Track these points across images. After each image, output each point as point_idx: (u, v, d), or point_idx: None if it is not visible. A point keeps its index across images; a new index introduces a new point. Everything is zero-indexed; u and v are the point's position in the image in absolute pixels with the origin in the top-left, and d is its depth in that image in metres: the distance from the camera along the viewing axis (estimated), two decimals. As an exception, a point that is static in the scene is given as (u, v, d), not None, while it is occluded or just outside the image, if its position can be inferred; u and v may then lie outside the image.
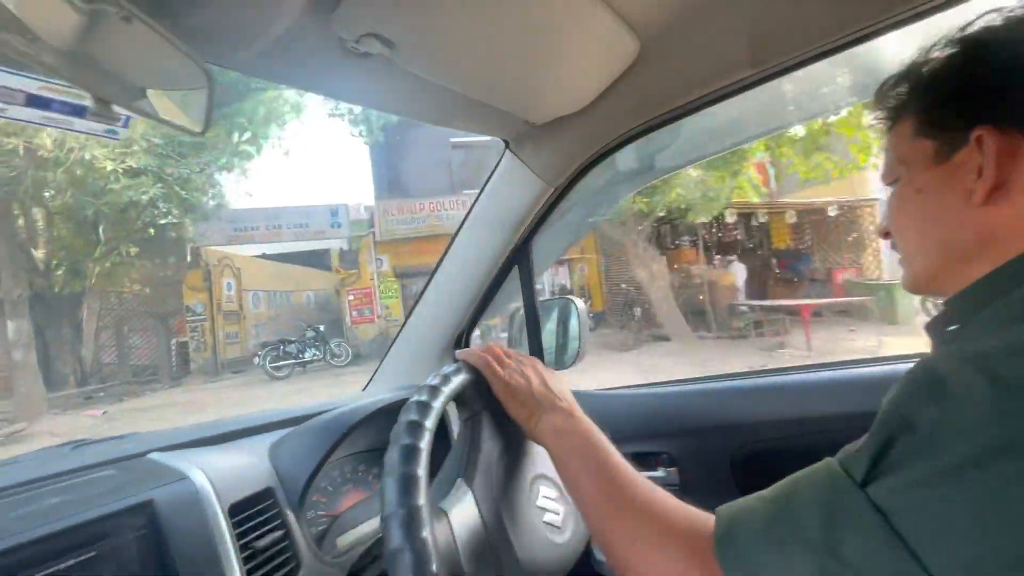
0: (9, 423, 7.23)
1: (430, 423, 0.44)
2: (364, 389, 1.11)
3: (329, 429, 0.67)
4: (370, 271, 12.60)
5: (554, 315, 1.05)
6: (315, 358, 10.57)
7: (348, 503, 0.74)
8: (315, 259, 20.42)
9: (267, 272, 15.36)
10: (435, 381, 0.48)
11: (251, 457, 0.64)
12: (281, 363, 10.08)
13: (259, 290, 14.54)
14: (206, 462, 0.58)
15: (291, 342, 10.38)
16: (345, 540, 0.68)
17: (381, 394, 0.86)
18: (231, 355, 12.22)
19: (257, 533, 0.56)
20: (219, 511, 0.53)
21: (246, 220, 12.22)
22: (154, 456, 0.61)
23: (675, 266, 9.90)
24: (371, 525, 0.72)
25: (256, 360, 10.07)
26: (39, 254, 8.91)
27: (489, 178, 0.92)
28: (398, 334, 1.10)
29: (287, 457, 0.64)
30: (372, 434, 0.77)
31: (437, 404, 0.46)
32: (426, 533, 0.37)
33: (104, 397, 9.37)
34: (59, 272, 9.14)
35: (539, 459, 0.56)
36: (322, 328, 10.98)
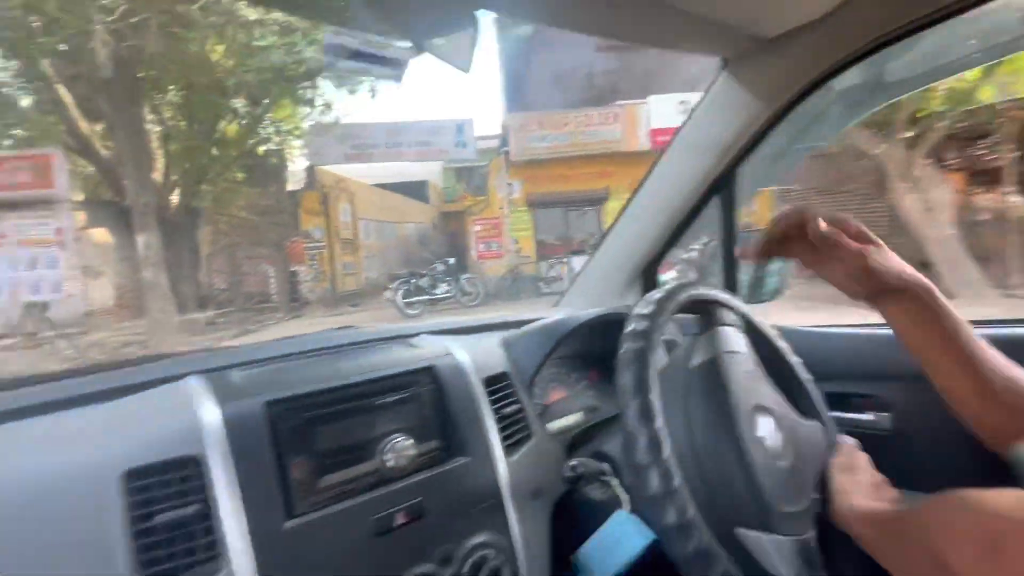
0: (141, 345, 6.55)
1: (655, 337, 0.51)
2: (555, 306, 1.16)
3: (552, 331, 0.79)
4: (500, 198, 10.89)
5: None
6: (447, 295, 9.18)
7: (553, 398, 0.82)
8: (414, 190, 19.23)
9: (376, 200, 14.17)
10: (658, 295, 0.55)
11: (489, 346, 0.75)
12: (413, 299, 8.77)
13: (370, 220, 13.41)
14: (461, 344, 0.70)
15: (421, 275, 9.01)
16: (554, 426, 0.76)
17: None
18: (348, 287, 11.22)
19: (501, 403, 0.67)
20: (477, 381, 0.66)
21: (364, 136, 10.76)
22: (423, 336, 0.76)
23: (967, 195, 7.24)
24: (573, 418, 0.80)
25: (387, 294, 8.81)
26: (160, 161, 7.93)
27: (700, 101, 0.90)
28: (589, 260, 1.14)
29: (518, 350, 0.76)
30: (576, 343, 0.83)
31: (661, 320, 0.53)
32: (660, 423, 0.45)
33: (225, 324, 8.59)
34: (176, 187, 8.24)
35: (757, 388, 0.58)
36: (452, 261, 9.54)
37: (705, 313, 0.61)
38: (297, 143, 10.21)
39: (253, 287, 11.15)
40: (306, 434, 0.52)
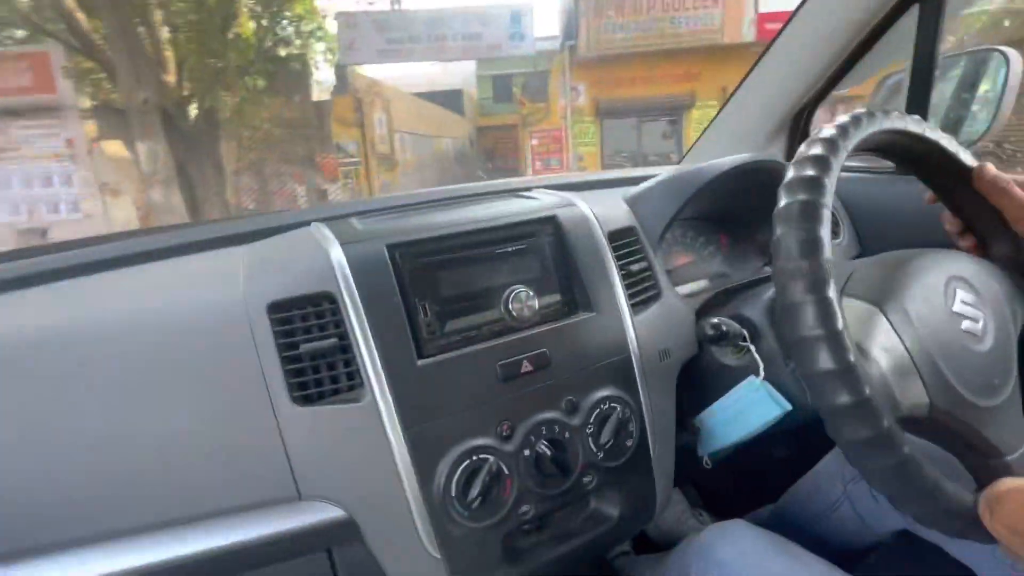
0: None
1: (828, 184, 0.39)
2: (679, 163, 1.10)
3: (684, 184, 0.71)
4: (562, 105, 9.22)
5: (956, 74, 0.86)
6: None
7: (678, 262, 0.78)
8: (449, 100, 17.32)
9: (411, 110, 12.53)
10: (834, 131, 0.42)
11: (612, 201, 0.70)
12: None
13: (405, 132, 11.89)
14: (584, 198, 0.66)
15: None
16: (682, 290, 0.71)
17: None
18: (388, 210, 10.06)
19: (628, 259, 0.64)
20: (602, 234, 0.62)
21: (400, 27, 8.99)
22: (538, 190, 0.71)
23: None
24: (699, 284, 0.75)
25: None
26: (168, 54, 6.56)
27: None
28: (721, 108, 1.02)
29: (644, 206, 0.70)
30: (706, 201, 0.74)
31: (836, 162, 0.41)
32: (831, 292, 0.36)
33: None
34: (190, 90, 6.99)
35: (952, 256, 0.51)
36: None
37: (901, 154, 0.50)
38: (321, 47, 8.76)
39: (283, 208, 10.10)
40: (428, 279, 0.53)
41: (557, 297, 0.58)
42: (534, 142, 9.40)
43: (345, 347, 0.48)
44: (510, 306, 0.54)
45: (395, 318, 0.49)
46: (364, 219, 0.61)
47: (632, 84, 9.11)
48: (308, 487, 0.46)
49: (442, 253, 0.54)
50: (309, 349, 0.46)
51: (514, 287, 0.55)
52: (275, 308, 0.48)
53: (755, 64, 0.92)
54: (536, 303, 0.55)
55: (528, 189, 0.73)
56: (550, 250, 0.59)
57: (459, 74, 20.08)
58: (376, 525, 0.48)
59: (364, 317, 0.48)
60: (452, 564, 0.49)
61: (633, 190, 0.73)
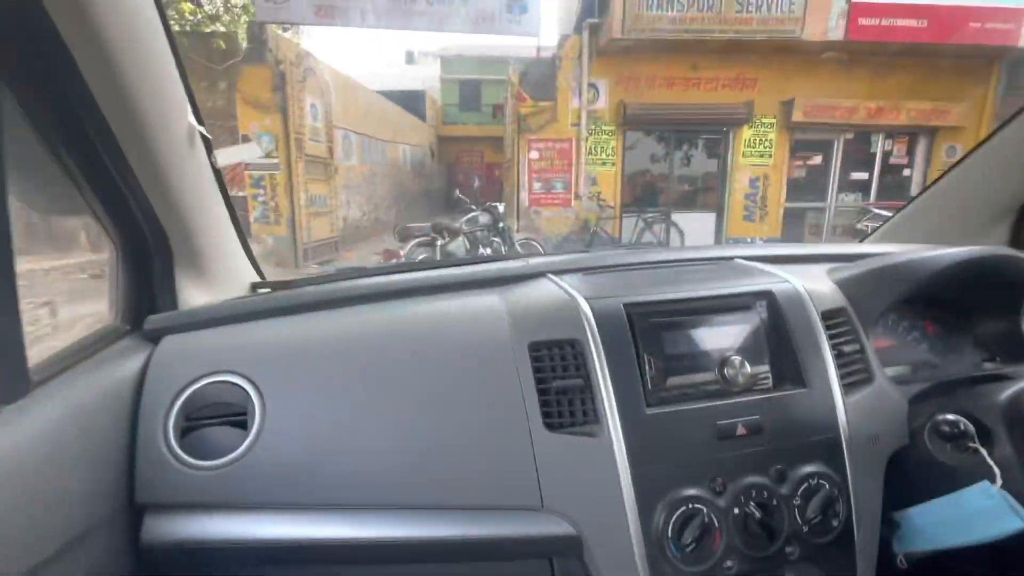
0: None
1: None
2: (861, 242, 1.09)
3: (906, 272, 0.70)
4: (574, 107, 6.65)
5: None
6: (494, 268, 5.19)
7: (878, 344, 0.75)
8: (409, 102, 14.52)
9: (361, 103, 9.65)
10: None
11: (819, 278, 0.70)
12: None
13: (351, 131, 8.98)
14: (790, 272, 0.67)
15: (450, 230, 4.92)
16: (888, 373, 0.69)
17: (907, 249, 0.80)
18: (316, 235, 7.03)
19: (840, 340, 0.63)
20: (815, 312, 0.63)
21: (349, -23, 6.18)
22: (741, 261, 0.76)
23: None
24: (900, 370, 0.74)
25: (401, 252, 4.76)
26: None
27: None
28: (935, 181, 0.98)
29: (855, 287, 0.69)
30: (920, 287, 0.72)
31: None
32: None
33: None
34: None
35: None
36: (501, 208, 5.47)
37: None
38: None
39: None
40: (656, 337, 0.59)
41: (767, 368, 0.61)
42: (533, 155, 6.75)
43: (588, 387, 0.56)
44: (725, 371, 0.58)
45: (629, 368, 0.56)
46: (589, 275, 0.71)
47: (670, 86, 6.71)
48: (549, 500, 0.54)
49: (669, 315, 0.60)
50: (559, 385, 0.56)
51: (729, 353, 0.59)
52: (534, 347, 0.58)
53: (987, 137, 0.89)
54: (748, 371, 0.59)
55: (729, 259, 0.77)
56: (764, 323, 0.62)
57: (422, 77, 17.54)
58: (599, 546, 0.54)
59: (604, 363, 0.56)
60: None
61: (843, 271, 0.73)
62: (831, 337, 0.63)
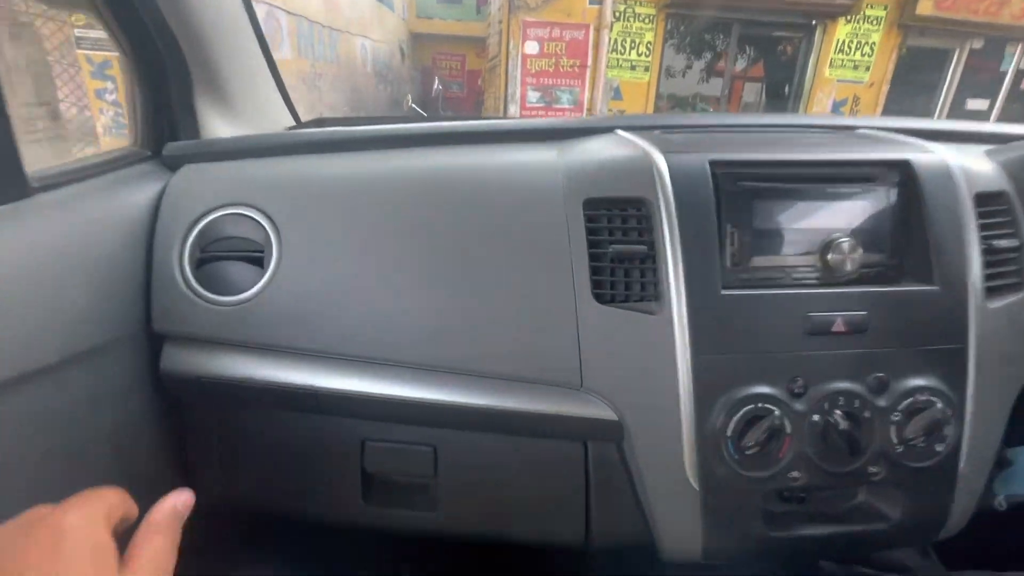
0: None
1: None
2: None
3: None
4: (597, -26, 4.35)
5: None
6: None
7: None
8: (372, -14, 11.57)
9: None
10: None
11: (978, 157, 0.55)
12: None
13: (276, 6, 6.46)
14: (935, 146, 0.52)
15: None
16: None
17: None
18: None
19: (994, 232, 0.51)
20: (968, 195, 0.49)
21: None
22: (867, 131, 0.61)
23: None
24: None
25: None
26: None
27: None
28: None
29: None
30: None
31: None
32: None
33: None
34: None
35: None
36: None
37: None
38: None
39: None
40: (744, 205, 0.47)
41: (884, 257, 0.49)
42: (530, 48, 4.51)
43: (651, 256, 0.46)
44: (829, 256, 0.47)
45: (707, 239, 0.45)
46: (670, 133, 0.58)
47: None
48: (590, 379, 0.47)
49: (765, 180, 0.47)
50: (617, 251, 0.46)
51: (836, 235, 0.47)
52: (590, 205, 0.48)
53: None
54: (859, 257, 0.47)
55: (853, 128, 0.62)
56: (891, 201, 0.49)
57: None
58: (642, 436, 0.47)
59: (676, 230, 0.45)
60: (708, 501, 0.47)
61: (1010, 151, 0.57)
62: (983, 228, 0.49)
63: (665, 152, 0.48)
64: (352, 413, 0.51)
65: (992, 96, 5.34)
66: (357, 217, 0.50)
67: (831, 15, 4.63)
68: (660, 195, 0.46)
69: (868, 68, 4.92)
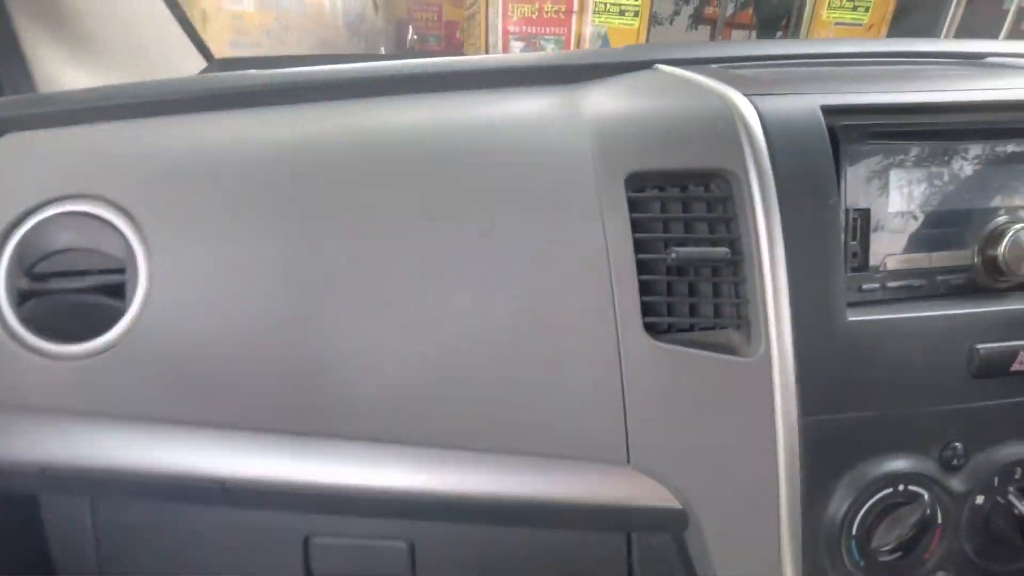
0: None
1: None
2: None
3: None
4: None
5: None
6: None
7: None
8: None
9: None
10: None
11: None
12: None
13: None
14: None
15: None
16: None
17: None
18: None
19: None
20: None
21: None
22: (1001, 60, 0.47)
23: None
24: None
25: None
26: None
27: None
28: None
29: None
30: None
31: None
32: None
33: None
34: None
35: None
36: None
37: None
38: None
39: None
40: (879, 175, 0.31)
41: None
42: (510, -7, 4.19)
43: (736, 263, 0.30)
44: (1000, 251, 0.32)
45: (826, 233, 0.30)
46: (739, 68, 0.39)
47: None
48: (641, 452, 0.32)
49: (907, 136, 0.32)
50: (683, 255, 0.31)
51: (1007, 219, 0.32)
52: (636, 182, 0.32)
53: None
54: None
55: (981, 56, 0.48)
56: None
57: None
58: (717, 531, 0.32)
59: (778, 220, 0.29)
60: None
61: None
62: None
63: (750, 95, 0.32)
64: (284, 506, 0.35)
65: (994, 37, 5.14)
66: (275, 213, 0.34)
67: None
68: (751, 164, 0.30)
69: (868, 9, 4.67)
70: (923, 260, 0.33)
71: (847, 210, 0.32)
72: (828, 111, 0.32)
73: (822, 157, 0.30)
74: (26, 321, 0.34)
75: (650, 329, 0.32)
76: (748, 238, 0.30)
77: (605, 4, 4.30)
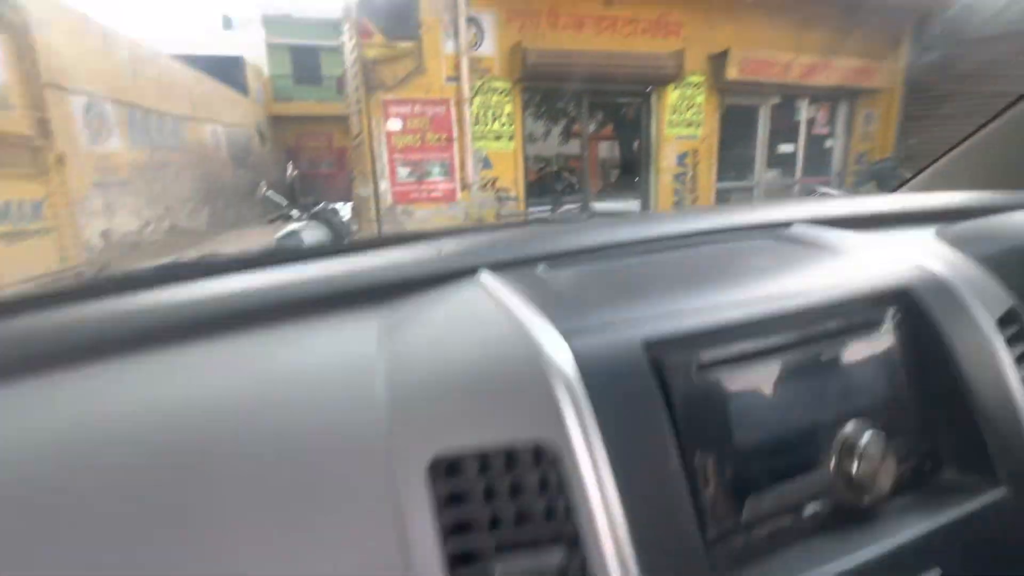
0: None
1: None
2: (898, 191, 0.78)
3: None
4: (450, 55, 4.46)
5: None
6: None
7: None
8: (225, 72, 11.13)
9: (133, 66, 6.39)
10: None
11: (948, 257, 0.41)
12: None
13: (102, 97, 5.77)
14: (892, 245, 0.40)
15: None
16: None
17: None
18: (14, 272, 3.97)
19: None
20: (990, 324, 0.35)
21: None
22: (803, 230, 0.44)
23: None
24: None
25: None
26: None
27: None
28: (983, 125, 0.72)
29: (1017, 266, 0.39)
30: None
31: None
32: None
33: None
34: None
35: None
36: (346, 213, 3.20)
37: None
38: None
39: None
40: (716, 411, 0.28)
41: (919, 441, 0.32)
42: (392, 125, 4.44)
43: (576, 562, 0.25)
44: (846, 463, 0.29)
45: (673, 499, 0.25)
46: (558, 269, 0.38)
47: (579, 27, 4.87)
48: None
49: (734, 361, 0.29)
50: (510, 571, 0.24)
51: (848, 424, 0.30)
52: (439, 471, 0.25)
53: None
54: (889, 454, 0.30)
55: (786, 226, 0.46)
56: (900, 351, 0.33)
57: (247, 44, 13.85)
58: None
59: (616, 499, 0.24)
60: None
61: (977, 239, 0.43)
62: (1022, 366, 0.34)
63: (569, 334, 0.28)
64: None
65: (794, 140, 6.37)
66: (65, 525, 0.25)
67: (662, 82, 5.23)
68: (577, 432, 0.25)
69: (699, 125, 5.59)
70: (785, 492, 0.30)
71: (693, 459, 0.27)
72: (649, 346, 0.28)
73: (656, 413, 0.27)
74: None
75: None
76: (589, 529, 0.25)
77: (483, 131, 4.71)
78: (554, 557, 0.24)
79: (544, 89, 5.03)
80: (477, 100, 4.60)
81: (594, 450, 0.25)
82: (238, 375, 0.31)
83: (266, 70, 13.41)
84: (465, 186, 4.68)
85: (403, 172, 4.55)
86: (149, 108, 6.91)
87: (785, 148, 6.35)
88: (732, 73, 5.27)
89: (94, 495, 0.26)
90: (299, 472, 0.26)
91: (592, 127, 5.64)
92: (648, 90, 5.33)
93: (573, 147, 5.79)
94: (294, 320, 0.35)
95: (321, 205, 3.08)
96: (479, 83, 4.58)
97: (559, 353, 0.27)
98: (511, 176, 4.88)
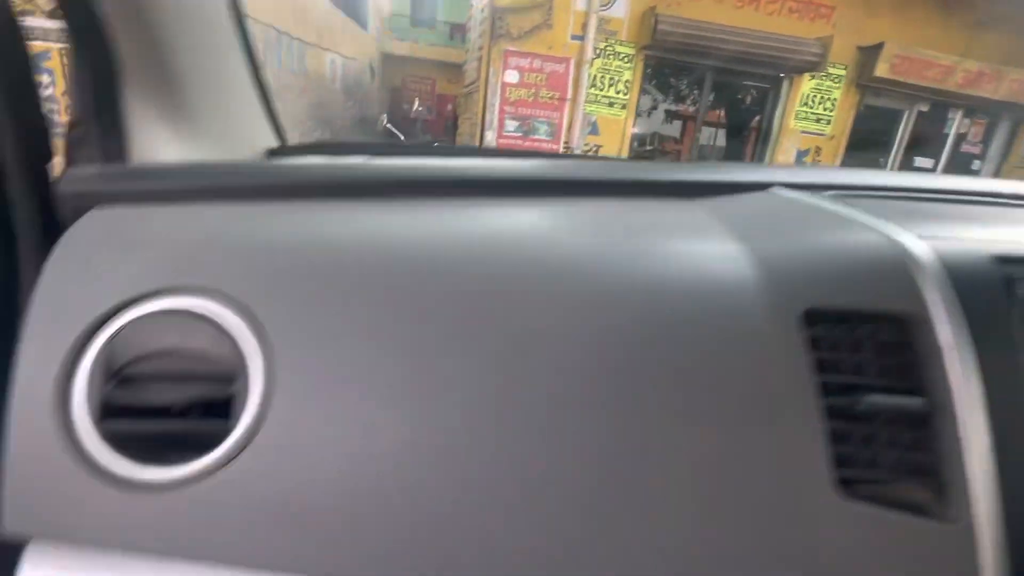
0: None
1: None
2: None
3: None
4: (579, 11, 4.37)
5: None
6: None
7: None
8: (350, 2, 11.50)
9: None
10: None
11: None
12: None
13: (249, 18, 6.21)
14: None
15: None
16: None
17: None
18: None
19: None
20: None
21: None
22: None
23: None
24: None
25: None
26: None
27: None
28: None
29: None
30: None
31: None
32: None
33: None
34: None
35: None
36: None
37: None
38: None
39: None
40: None
41: None
42: (510, 76, 4.45)
43: (934, 415, 0.27)
44: None
45: (1016, 382, 0.27)
46: (855, 199, 0.38)
47: (717, 1, 4.57)
48: None
49: None
50: (879, 405, 0.27)
51: None
52: (815, 321, 0.29)
53: None
54: None
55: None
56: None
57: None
58: None
59: (974, 370, 0.27)
60: None
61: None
62: None
63: (925, 238, 0.30)
64: None
65: (936, 156, 5.72)
66: (398, 324, 0.29)
67: (799, 70, 4.84)
68: (942, 311, 0.28)
69: (829, 122, 5.15)
70: None
71: None
72: (1003, 260, 0.30)
73: (1002, 307, 0.29)
74: (110, 438, 0.28)
75: (847, 486, 0.28)
76: (941, 388, 0.27)
77: (597, 96, 4.61)
78: (915, 403, 0.27)
79: (668, 61, 4.82)
80: (597, 63, 4.50)
81: (959, 332, 0.28)
82: (613, 219, 0.36)
83: (386, 8, 13.70)
84: (568, 149, 4.65)
85: (511, 125, 4.58)
86: (282, 31, 7.33)
87: (922, 162, 5.72)
88: (881, 70, 4.77)
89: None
90: (657, 322, 0.30)
91: (703, 110, 5.35)
92: (781, 76, 4.95)
93: (674, 129, 5.52)
94: (618, 195, 0.40)
95: (436, 144, 3.20)
96: (603, 45, 4.46)
97: (924, 251, 0.30)
98: (616, 146, 4.79)
